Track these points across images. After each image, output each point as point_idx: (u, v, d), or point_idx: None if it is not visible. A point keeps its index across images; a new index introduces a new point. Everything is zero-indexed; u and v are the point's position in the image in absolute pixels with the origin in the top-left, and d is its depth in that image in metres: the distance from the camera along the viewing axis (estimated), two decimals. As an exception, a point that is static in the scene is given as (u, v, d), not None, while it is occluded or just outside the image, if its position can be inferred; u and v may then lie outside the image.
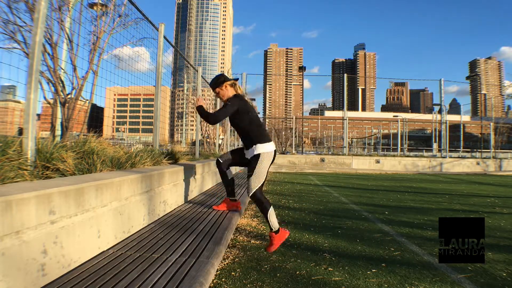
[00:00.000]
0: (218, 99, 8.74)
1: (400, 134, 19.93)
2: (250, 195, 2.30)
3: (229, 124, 11.83)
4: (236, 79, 2.65)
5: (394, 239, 2.87)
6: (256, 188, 2.29)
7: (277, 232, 2.30)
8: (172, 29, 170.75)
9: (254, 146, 2.35)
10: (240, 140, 2.61)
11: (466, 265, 2.16)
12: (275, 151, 2.41)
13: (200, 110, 2.53)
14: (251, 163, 2.34)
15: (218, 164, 2.74)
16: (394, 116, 33.58)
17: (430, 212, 4.22)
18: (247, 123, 2.41)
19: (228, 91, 2.53)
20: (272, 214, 2.27)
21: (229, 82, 2.55)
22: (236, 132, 2.65)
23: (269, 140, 2.39)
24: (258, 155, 2.32)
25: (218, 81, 2.56)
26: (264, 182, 2.33)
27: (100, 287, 1.24)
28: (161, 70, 3.82)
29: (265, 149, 2.34)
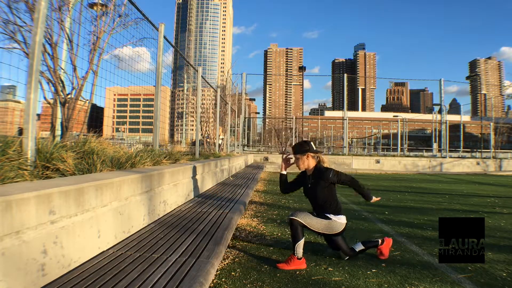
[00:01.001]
0: (218, 99, 8.75)
1: (400, 134, 19.94)
2: (290, 218, 2.29)
3: (229, 124, 11.84)
4: (321, 152, 2.58)
5: (394, 239, 2.87)
6: (301, 221, 2.28)
7: (299, 258, 2.22)
8: (172, 29, 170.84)
9: (340, 215, 2.35)
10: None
11: (466, 265, 2.16)
12: (346, 224, 2.38)
13: (368, 195, 2.46)
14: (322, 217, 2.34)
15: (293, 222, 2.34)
16: (394, 116, 33.60)
17: (430, 212, 4.21)
18: (334, 195, 2.39)
19: (309, 162, 2.47)
20: (300, 245, 2.23)
21: (312, 154, 2.48)
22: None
23: (343, 214, 2.39)
24: (329, 218, 2.32)
25: (302, 149, 2.49)
26: (308, 228, 2.30)
27: (100, 287, 1.24)
28: (161, 70, 3.82)
29: (340, 219, 2.34)
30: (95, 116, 3.60)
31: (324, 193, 2.37)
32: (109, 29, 3.50)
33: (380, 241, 2.38)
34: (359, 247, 2.35)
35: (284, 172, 2.62)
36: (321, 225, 2.30)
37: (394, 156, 16.23)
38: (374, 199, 2.47)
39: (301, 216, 2.29)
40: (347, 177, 2.43)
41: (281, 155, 13.10)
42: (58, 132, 3.05)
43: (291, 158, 2.63)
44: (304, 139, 2.54)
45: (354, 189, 2.43)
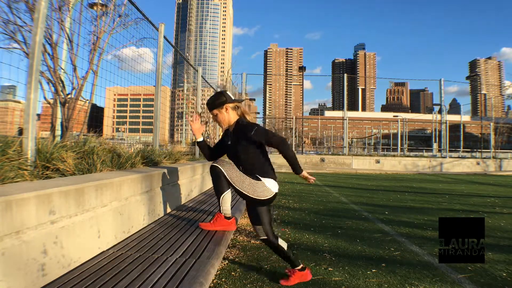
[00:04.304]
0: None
1: (400, 134, 19.94)
2: (212, 164, 1.96)
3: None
4: (241, 101, 2.15)
5: (394, 239, 2.87)
6: (224, 172, 1.92)
7: (301, 269, 1.96)
8: (172, 29, 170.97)
9: (266, 179, 1.95)
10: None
11: (466, 265, 2.16)
12: (276, 194, 1.98)
13: (298, 169, 1.99)
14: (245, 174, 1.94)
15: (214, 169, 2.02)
16: (394, 116, 33.60)
17: (430, 212, 4.21)
18: (260, 151, 1.99)
19: (229, 116, 2.02)
20: (226, 198, 1.95)
21: (231, 105, 2.02)
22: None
23: (276, 178, 2.00)
24: (259, 179, 1.93)
25: (217, 101, 2.03)
26: (231, 184, 1.94)
27: (100, 287, 1.24)
28: (161, 70, 3.82)
29: (269, 184, 1.94)
30: (95, 116, 3.60)
31: (248, 153, 1.94)
32: (109, 29, 3.50)
33: (301, 266, 1.96)
34: (283, 244, 1.95)
35: (200, 139, 2.20)
36: (245, 182, 1.89)
37: (394, 156, 16.24)
38: (305, 175, 1.99)
39: (225, 166, 1.91)
40: (274, 138, 1.92)
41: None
42: (58, 132, 3.05)
43: (199, 119, 2.19)
44: (219, 89, 2.01)
45: (284, 156, 1.96)
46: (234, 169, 1.94)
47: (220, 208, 2.00)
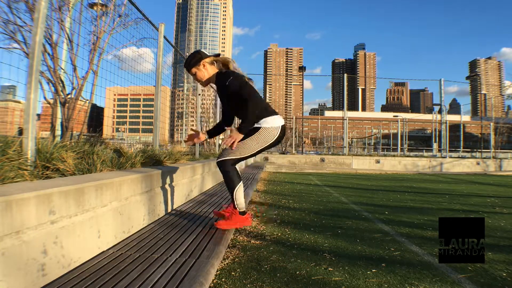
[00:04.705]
0: (218, 99, 8.74)
1: (400, 134, 19.95)
2: (217, 160, 1.87)
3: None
4: (218, 55, 2.05)
5: (394, 239, 2.87)
6: (230, 158, 1.82)
7: (242, 213, 1.95)
8: (172, 29, 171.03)
9: (260, 122, 1.84)
10: None
11: (466, 265, 2.16)
12: (283, 126, 1.86)
13: (242, 129, 1.86)
14: (245, 136, 1.83)
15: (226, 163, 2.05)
16: (394, 116, 33.61)
17: (430, 212, 4.21)
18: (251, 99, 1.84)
19: (208, 71, 1.97)
20: (240, 192, 1.86)
21: (208, 60, 1.97)
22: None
23: (275, 113, 1.88)
24: (257, 128, 1.82)
25: (193, 60, 1.97)
26: (244, 159, 1.86)
27: (100, 287, 1.24)
28: (161, 70, 3.82)
29: (268, 123, 1.82)
30: (95, 116, 3.61)
31: (236, 104, 1.87)
32: (109, 29, 3.50)
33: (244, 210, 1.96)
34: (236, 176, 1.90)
35: (204, 139, 2.22)
36: (253, 144, 1.81)
37: (394, 156, 16.24)
38: (233, 133, 1.83)
39: (229, 152, 1.83)
40: (243, 95, 1.77)
41: (282, 154, 13.05)
42: (58, 132, 3.05)
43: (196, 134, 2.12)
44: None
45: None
46: (237, 145, 1.85)
47: (234, 203, 1.92)
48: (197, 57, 1.96)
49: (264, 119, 1.85)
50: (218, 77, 1.95)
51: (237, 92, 1.81)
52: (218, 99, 8.69)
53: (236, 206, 1.97)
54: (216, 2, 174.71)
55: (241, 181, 1.90)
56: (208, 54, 1.99)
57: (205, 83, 2.05)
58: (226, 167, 1.87)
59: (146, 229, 2.14)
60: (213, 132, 2.26)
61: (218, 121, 9.35)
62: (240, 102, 1.83)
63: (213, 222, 2.44)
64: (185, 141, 2.23)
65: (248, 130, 1.84)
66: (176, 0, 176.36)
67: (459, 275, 2.04)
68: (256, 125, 1.85)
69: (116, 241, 1.81)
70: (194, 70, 1.99)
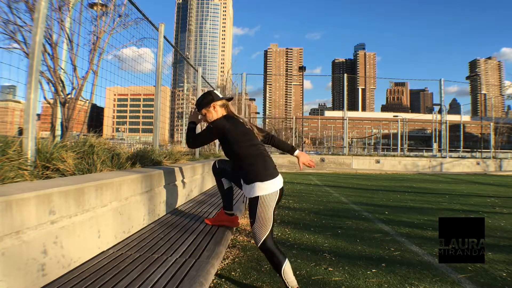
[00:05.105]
0: None
1: (400, 134, 19.95)
2: (258, 246, 1.78)
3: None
4: (230, 99, 2.06)
5: (394, 239, 2.87)
6: (265, 237, 1.74)
7: (230, 214, 2.11)
8: (172, 29, 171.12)
9: (252, 184, 1.78)
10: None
11: (466, 265, 2.16)
12: (281, 189, 1.82)
13: (189, 126, 2.08)
14: (250, 206, 1.80)
15: (215, 168, 2.27)
16: (394, 116, 33.60)
17: (430, 212, 4.21)
18: (241, 152, 1.85)
19: (217, 113, 1.98)
20: (288, 270, 1.73)
21: (219, 103, 1.98)
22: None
23: (271, 176, 1.79)
24: (257, 198, 1.75)
25: (204, 101, 1.98)
26: (273, 226, 1.80)
27: (100, 287, 1.24)
28: (161, 70, 3.82)
29: (266, 190, 1.76)
30: (95, 116, 3.60)
31: (228, 154, 1.95)
32: (109, 29, 3.50)
33: (232, 212, 2.23)
34: (225, 182, 2.18)
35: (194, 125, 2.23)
36: (266, 212, 1.77)
37: (394, 156, 16.24)
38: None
39: (259, 233, 1.76)
40: (206, 128, 1.94)
41: (282, 154, 13.04)
42: (58, 132, 3.05)
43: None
44: (218, 89, 1.88)
45: None
46: (255, 228, 1.79)
47: (285, 282, 1.78)
48: (208, 99, 1.99)
49: (260, 184, 1.76)
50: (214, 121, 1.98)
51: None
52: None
53: (228, 208, 2.13)
54: (216, 2, 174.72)
55: (286, 258, 1.76)
56: (220, 97, 2.01)
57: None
58: (268, 249, 1.75)
59: (146, 229, 2.13)
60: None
61: None
62: (230, 148, 1.89)
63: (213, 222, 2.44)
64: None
65: (251, 204, 1.81)
66: (176, 0, 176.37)
67: (459, 275, 2.04)
68: (253, 196, 1.78)
69: (116, 241, 1.81)
70: (204, 111, 2.01)
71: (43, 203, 1.25)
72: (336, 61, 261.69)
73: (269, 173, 1.80)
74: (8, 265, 1.07)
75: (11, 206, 1.10)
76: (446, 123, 17.64)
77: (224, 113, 2.01)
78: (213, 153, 7.85)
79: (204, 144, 2.04)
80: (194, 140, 2.00)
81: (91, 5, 3.47)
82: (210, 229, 2.26)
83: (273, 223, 1.78)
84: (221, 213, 2.33)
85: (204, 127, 2.03)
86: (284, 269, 1.71)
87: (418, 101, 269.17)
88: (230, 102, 2.06)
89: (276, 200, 1.80)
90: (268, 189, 1.76)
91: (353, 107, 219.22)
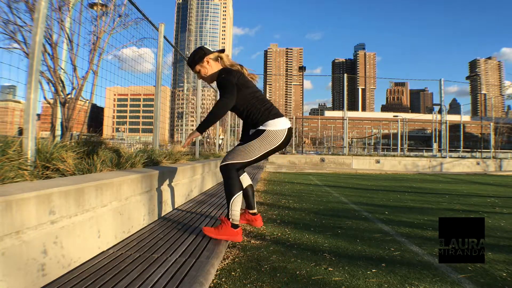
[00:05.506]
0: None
1: (400, 134, 19.95)
2: (221, 165, 1.80)
3: (229, 124, 11.82)
4: (222, 50, 1.98)
5: (394, 239, 2.87)
6: (234, 162, 1.74)
7: (234, 226, 1.87)
8: (172, 29, 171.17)
9: (265, 123, 1.75)
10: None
11: (466, 265, 2.16)
12: (289, 129, 1.78)
13: (200, 128, 1.84)
14: (249, 137, 1.79)
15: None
16: (394, 116, 33.62)
17: (430, 212, 4.21)
18: (249, 100, 1.80)
19: (212, 68, 1.91)
20: (237, 201, 1.76)
21: (211, 56, 1.90)
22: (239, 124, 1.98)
23: (280, 115, 1.78)
24: (262, 131, 1.73)
25: (196, 57, 1.90)
26: (249, 163, 1.77)
27: (100, 287, 1.24)
28: (161, 70, 3.82)
29: (273, 126, 1.73)
30: (95, 116, 3.61)
31: (236, 104, 1.80)
32: (109, 29, 3.50)
33: (237, 224, 1.86)
34: (242, 182, 1.85)
35: (201, 137, 2.18)
36: (257, 148, 1.73)
37: (394, 156, 16.24)
38: (192, 134, 1.80)
39: (232, 156, 1.76)
40: (220, 90, 1.76)
41: (282, 154, 13.09)
42: (58, 132, 3.05)
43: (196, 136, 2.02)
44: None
45: None
46: (239, 150, 1.77)
47: (228, 212, 1.82)
48: (200, 54, 1.90)
49: (269, 122, 1.76)
50: (218, 75, 1.87)
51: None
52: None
53: (230, 217, 1.86)
54: (216, 2, 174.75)
55: (241, 191, 1.80)
56: (212, 50, 1.92)
57: (210, 80, 1.97)
58: (229, 172, 1.77)
59: (146, 229, 2.14)
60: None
61: (217, 122, 9.42)
62: (241, 96, 1.78)
63: (212, 223, 2.44)
64: (183, 147, 2.17)
65: (253, 133, 1.78)
66: (176, 0, 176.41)
67: (459, 275, 2.04)
68: (261, 127, 1.76)
69: (116, 241, 1.81)
70: (198, 67, 1.92)
71: (43, 203, 1.25)
72: (336, 61, 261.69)
73: (278, 112, 1.81)
74: (8, 265, 1.07)
75: (11, 206, 1.10)
76: (446, 123, 17.64)
77: (220, 67, 1.92)
78: (213, 153, 7.85)
79: (233, 99, 1.75)
80: (223, 103, 1.72)
81: (91, 5, 3.48)
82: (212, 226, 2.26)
83: (251, 162, 1.75)
84: (227, 224, 1.98)
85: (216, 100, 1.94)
86: (235, 198, 1.75)
87: (418, 101, 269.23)
88: (224, 54, 1.95)
89: (280, 141, 1.73)
90: (278, 125, 1.74)
91: (353, 107, 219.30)
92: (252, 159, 1.78)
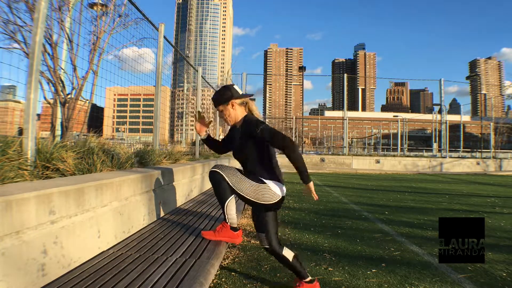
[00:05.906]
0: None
1: (400, 134, 19.95)
2: (213, 170, 1.83)
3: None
4: (249, 95, 1.95)
5: (394, 239, 2.87)
6: (225, 176, 1.77)
7: (233, 229, 1.87)
8: (172, 29, 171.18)
9: (267, 179, 1.78)
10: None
11: (466, 265, 2.16)
12: (282, 197, 1.79)
13: (307, 178, 1.73)
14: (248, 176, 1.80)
15: (214, 175, 1.85)
16: (394, 116, 33.59)
17: (430, 212, 4.21)
18: (268, 155, 1.82)
19: (236, 112, 1.86)
20: (231, 206, 1.79)
21: (238, 100, 1.85)
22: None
23: (280, 179, 1.81)
24: (262, 181, 1.76)
25: (223, 97, 1.85)
26: (234, 191, 1.79)
27: (100, 287, 1.24)
28: (161, 70, 3.82)
29: (275, 187, 1.76)
30: (95, 116, 3.61)
31: (253, 153, 1.78)
32: (109, 29, 3.51)
33: (309, 278, 1.75)
34: (288, 254, 1.73)
35: (204, 137, 2.10)
36: (247, 186, 1.73)
37: (394, 156, 16.24)
38: (311, 187, 1.71)
39: (226, 172, 1.77)
40: (280, 140, 1.69)
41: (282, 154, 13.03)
42: (58, 132, 3.05)
43: (205, 119, 2.05)
44: (225, 84, 1.78)
45: (290, 161, 1.71)
46: (234, 173, 1.80)
47: (225, 217, 1.84)
48: (227, 95, 1.84)
49: (274, 182, 1.77)
50: (246, 124, 1.83)
51: (271, 141, 1.73)
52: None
53: (227, 222, 1.87)
54: (216, 2, 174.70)
55: (233, 195, 1.80)
56: (240, 93, 1.87)
57: (230, 122, 1.92)
58: (218, 179, 1.78)
59: (146, 229, 2.13)
60: (211, 140, 2.19)
61: (218, 121, 9.40)
62: (261, 148, 1.80)
63: (212, 223, 2.44)
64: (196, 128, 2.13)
65: (254, 178, 1.78)
66: (176, 0, 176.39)
67: (459, 275, 2.04)
68: (263, 178, 1.76)
69: (116, 241, 1.81)
70: (221, 107, 1.88)
71: (43, 203, 1.25)
72: (336, 61, 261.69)
73: (281, 175, 1.84)
74: (8, 265, 1.07)
75: (11, 206, 1.10)
76: (446, 123, 17.64)
77: (244, 113, 1.89)
78: (212, 153, 7.85)
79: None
80: (288, 140, 1.71)
81: (91, 5, 3.48)
82: (210, 229, 2.26)
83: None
84: (226, 227, 1.95)
85: (227, 131, 1.93)
86: (228, 203, 1.80)
87: (418, 101, 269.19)
88: (251, 101, 1.92)
89: (268, 203, 1.74)
90: (278, 190, 1.76)
91: (353, 107, 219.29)
92: (238, 191, 1.77)
